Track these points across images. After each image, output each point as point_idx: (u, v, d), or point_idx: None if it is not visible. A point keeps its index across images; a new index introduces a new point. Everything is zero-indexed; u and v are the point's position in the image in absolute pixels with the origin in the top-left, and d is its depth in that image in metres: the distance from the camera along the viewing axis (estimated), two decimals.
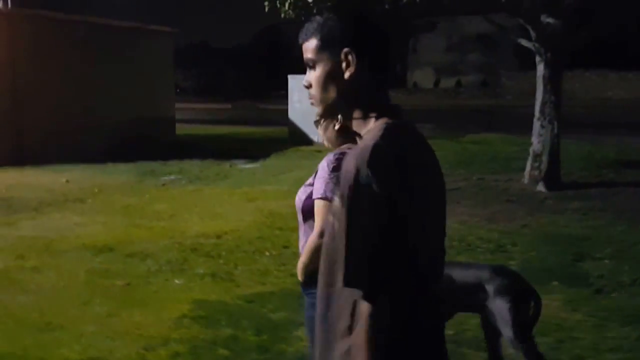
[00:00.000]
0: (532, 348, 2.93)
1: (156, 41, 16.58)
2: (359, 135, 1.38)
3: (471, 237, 6.06)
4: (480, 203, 7.71)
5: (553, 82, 8.34)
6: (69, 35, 13.24)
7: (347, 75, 1.34)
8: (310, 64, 1.39)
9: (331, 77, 1.36)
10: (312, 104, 1.43)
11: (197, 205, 7.77)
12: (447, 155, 10.69)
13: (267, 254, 5.66)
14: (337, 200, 1.29)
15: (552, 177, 8.19)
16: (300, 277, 2.45)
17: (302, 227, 2.49)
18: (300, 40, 1.41)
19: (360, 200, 1.23)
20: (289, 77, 15.83)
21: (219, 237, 6.16)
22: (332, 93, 1.38)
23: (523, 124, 10.96)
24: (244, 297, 4.56)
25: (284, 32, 46.90)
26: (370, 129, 1.35)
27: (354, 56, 1.33)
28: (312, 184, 2.41)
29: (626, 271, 4.98)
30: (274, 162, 11.75)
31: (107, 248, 5.78)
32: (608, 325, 3.96)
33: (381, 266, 1.23)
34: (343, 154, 2.21)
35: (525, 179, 8.53)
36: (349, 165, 1.27)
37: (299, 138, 15.01)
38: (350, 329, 1.29)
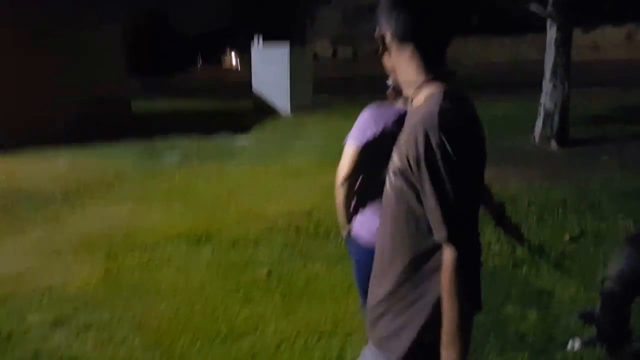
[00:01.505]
0: None
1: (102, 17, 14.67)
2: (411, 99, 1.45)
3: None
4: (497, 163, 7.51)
5: (564, 45, 8.37)
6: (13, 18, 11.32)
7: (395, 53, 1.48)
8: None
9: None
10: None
11: (243, 184, 7.03)
12: None
13: None
14: (398, 162, 1.38)
15: (563, 135, 8.32)
16: (344, 233, 2.53)
17: None
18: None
19: (437, 163, 1.29)
20: (252, 48, 14.90)
21: (309, 214, 5.58)
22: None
23: None
24: None
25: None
26: (424, 96, 1.40)
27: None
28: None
29: None
30: (266, 135, 10.99)
31: (202, 237, 5.04)
32: None
33: (464, 221, 1.34)
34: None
35: (536, 138, 8.60)
36: (418, 131, 1.31)
37: (267, 109, 14.25)
38: (390, 294, 1.45)
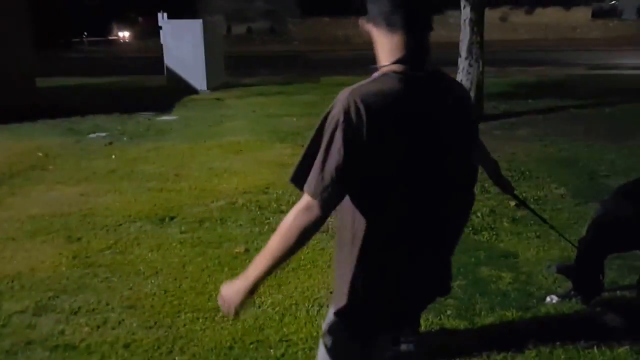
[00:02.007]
0: None
1: None
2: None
3: None
4: None
5: (478, 25, 8.86)
6: None
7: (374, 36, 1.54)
8: None
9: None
10: None
11: (187, 163, 6.82)
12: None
13: None
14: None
15: (479, 110, 8.90)
16: None
17: None
18: None
19: (328, 124, 1.43)
20: (162, 22, 14.20)
21: (266, 191, 5.58)
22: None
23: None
24: None
25: None
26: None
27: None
28: None
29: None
30: (190, 113, 10.62)
31: (166, 217, 4.89)
32: None
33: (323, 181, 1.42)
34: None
35: None
36: (338, 102, 1.43)
37: (182, 86, 13.73)
38: (353, 239, 1.53)
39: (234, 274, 3.73)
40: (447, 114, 1.53)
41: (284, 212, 4.88)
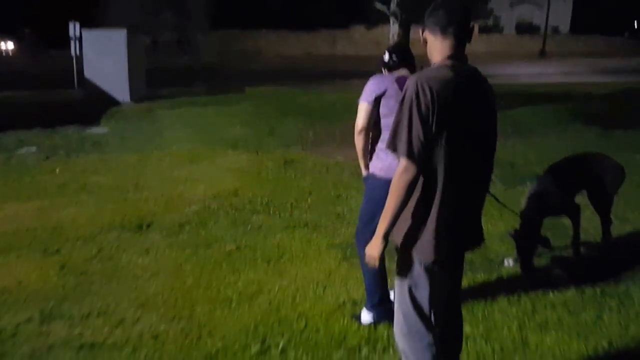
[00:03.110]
0: None
1: None
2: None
3: None
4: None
5: (405, 39, 9.67)
6: None
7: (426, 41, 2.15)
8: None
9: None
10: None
11: (143, 172, 6.84)
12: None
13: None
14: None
15: None
16: (364, 171, 3.21)
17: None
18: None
19: (411, 100, 1.95)
20: (84, 32, 13.80)
21: (236, 195, 5.79)
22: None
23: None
24: None
25: None
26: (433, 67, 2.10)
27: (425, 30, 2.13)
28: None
29: None
30: (122, 125, 10.50)
31: (143, 225, 4.96)
32: None
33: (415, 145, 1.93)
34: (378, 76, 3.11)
35: None
36: (411, 82, 1.98)
37: (104, 99, 13.39)
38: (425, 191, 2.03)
39: (233, 269, 4.02)
40: (483, 96, 2.12)
41: (260, 213, 5.21)
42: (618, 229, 4.58)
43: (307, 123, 10.02)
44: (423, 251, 2.05)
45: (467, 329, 3.07)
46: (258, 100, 13.13)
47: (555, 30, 46.74)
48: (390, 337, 2.98)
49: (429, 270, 2.08)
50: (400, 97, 2.01)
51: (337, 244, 4.46)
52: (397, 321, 2.20)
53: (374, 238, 2.09)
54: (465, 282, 3.62)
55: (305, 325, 3.23)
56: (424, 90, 1.93)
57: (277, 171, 6.86)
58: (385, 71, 3.20)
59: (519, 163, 7.07)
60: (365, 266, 3.02)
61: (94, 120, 10.84)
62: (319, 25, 39.93)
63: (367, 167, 3.17)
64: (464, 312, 3.15)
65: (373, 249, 2.10)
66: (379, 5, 9.82)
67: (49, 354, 3.05)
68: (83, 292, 3.75)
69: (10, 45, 55.19)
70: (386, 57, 3.21)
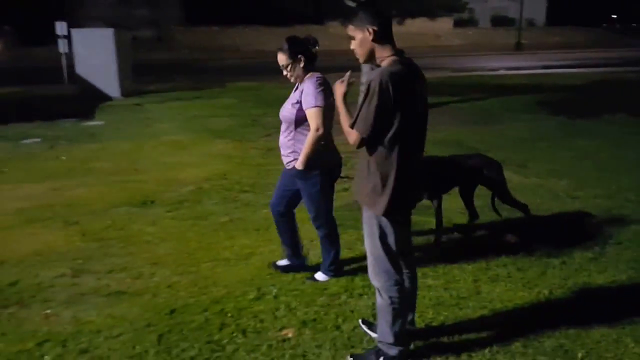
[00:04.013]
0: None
1: None
2: (379, 65, 2.53)
3: None
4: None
5: None
6: None
7: (370, 39, 2.51)
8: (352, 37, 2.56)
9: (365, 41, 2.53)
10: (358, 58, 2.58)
11: (140, 159, 7.37)
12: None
13: None
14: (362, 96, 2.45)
15: None
16: (302, 167, 3.37)
17: (291, 132, 3.44)
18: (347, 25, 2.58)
19: (380, 93, 2.38)
20: (73, 31, 14.09)
21: (224, 177, 6.38)
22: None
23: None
24: None
25: None
26: (384, 63, 2.50)
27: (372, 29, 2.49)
28: (298, 102, 3.37)
29: None
30: (115, 118, 10.92)
31: (147, 202, 5.52)
32: None
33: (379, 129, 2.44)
34: (322, 77, 3.40)
35: None
36: (375, 78, 2.39)
37: (94, 94, 13.74)
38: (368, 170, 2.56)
39: (229, 236, 4.63)
40: (421, 83, 2.60)
41: (248, 192, 5.81)
42: (569, 204, 5.25)
43: None
44: (389, 204, 2.55)
45: (429, 281, 3.68)
46: (238, 94, 13.65)
47: (531, 22, 46.07)
48: (364, 287, 3.58)
49: (392, 219, 2.64)
50: None
51: None
52: (370, 264, 2.73)
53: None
54: (426, 245, 4.31)
55: (293, 279, 3.82)
56: (386, 82, 2.39)
57: (260, 157, 7.45)
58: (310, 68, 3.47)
59: (483, 148, 7.44)
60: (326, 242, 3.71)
61: (88, 114, 11.24)
62: (293, 21, 40.31)
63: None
64: (426, 270, 3.83)
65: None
66: (348, 2, 10.31)
67: (83, 299, 3.63)
68: (104, 253, 4.32)
69: None
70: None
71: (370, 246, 2.69)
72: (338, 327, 3.18)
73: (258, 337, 3.10)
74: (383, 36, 2.52)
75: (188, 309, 3.43)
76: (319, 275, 3.77)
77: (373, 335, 2.99)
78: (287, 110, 3.46)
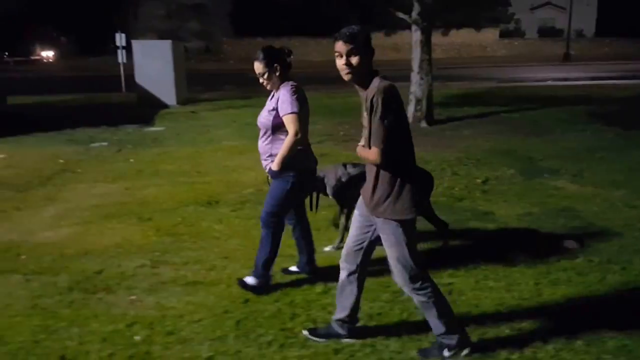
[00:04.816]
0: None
1: None
2: (367, 86, 2.65)
3: None
4: None
5: (427, 45, 10.35)
6: None
7: (365, 58, 2.63)
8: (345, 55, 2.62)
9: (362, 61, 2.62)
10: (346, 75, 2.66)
11: (202, 162, 7.71)
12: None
13: None
14: (366, 114, 2.63)
15: (430, 116, 10.38)
16: (278, 168, 3.48)
17: (268, 137, 3.56)
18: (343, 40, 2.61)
19: (387, 107, 2.53)
20: (133, 42, 14.79)
21: None
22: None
23: None
24: None
25: None
26: (373, 81, 2.63)
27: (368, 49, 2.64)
28: (274, 109, 3.48)
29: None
30: (174, 125, 11.40)
31: (212, 202, 5.79)
32: None
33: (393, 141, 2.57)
34: (296, 85, 3.51)
35: (410, 120, 10.51)
36: (377, 94, 2.53)
37: (152, 102, 14.34)
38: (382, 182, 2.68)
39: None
40: None
41: None
42: (627, 213, 5.23)
43: (335, 123, 10.85)
44: (411, 206, 2.67)
45: (490, 283, 3.79)
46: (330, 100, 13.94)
47: (580, 33, 45.03)
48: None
49: (413, 221, 2.73)
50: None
51: None
52: (399, 272, 2.77)
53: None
54: (485, 250, 4.42)
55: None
56: (385, 95, 2.54)
57: None
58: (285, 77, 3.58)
59: (536, 158, 7.62)
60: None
61: (148, 121, 11.77)
62: (337, 31, 40.62)
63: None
64: (487, 272, 3.95)
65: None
66: (400, 14, 10.46)
67: (163, 287, 3.89)
68: (178, 247, 4.60)
69: (50, 53, 56.69)
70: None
71: (398, 255, 2.76)
72: (403, 321, 3.33)
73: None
74: (369, 56, 2.66)
75: (260, 299, 3.65)
76: (249, 279, 3.76)
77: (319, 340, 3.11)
78: (264, 117, 3.58)
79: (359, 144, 2.85)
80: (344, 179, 4.36)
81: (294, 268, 4.08)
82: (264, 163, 3.68)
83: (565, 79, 19.94)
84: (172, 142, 9.41)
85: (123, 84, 17.89)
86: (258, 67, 3.52)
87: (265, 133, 3.61)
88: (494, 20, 23.66)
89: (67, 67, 36.26)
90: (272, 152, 3.57)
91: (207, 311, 3.50)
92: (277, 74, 3.53)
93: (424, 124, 10.31)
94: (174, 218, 5.33)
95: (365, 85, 2.67)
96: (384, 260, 3.88)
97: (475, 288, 3.75)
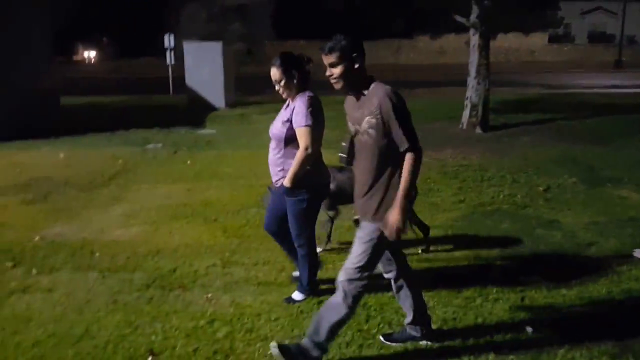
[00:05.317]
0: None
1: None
2: (363, 94, 2.72)
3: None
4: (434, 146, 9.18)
5: (485, 49, 10.33)
6: None
7: (356, 66, 2.69)
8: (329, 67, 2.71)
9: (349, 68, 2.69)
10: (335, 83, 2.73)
11: (258, 165, 7.86)
12: None
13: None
14: (373, 121, 2.65)
15: (485, 122, 10.36)
16: (290, 184, 3.39)
17: (280, 150, 3.48)
18: (324, 53, 2.69)
19: (401, 107, 2.61)
20: (185, 44, 15.23)
21: None
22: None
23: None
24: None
25: None
26: (372, 87, 2.70)
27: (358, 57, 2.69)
28: (289, 120, 3.38)
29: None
30: (226, 127, 11.72)
31: None
32: None
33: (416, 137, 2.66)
34: (312, 96, 3.40)
35: (464, 125, 10.52)
36: (384, 97, 2.60)
37: (202, 104, 14.73)
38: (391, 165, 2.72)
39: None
40: None
41: None
42: None
43: None
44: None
45: (563, 290, 3.84)
46: (334, 107, 14.04)
47: (632, 39, 43.87)
48: (499, 292, 3.80)
49: None
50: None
51: (439, 226, 5.26)
52: (353, 266, 2.79)
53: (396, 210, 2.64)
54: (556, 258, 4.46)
55: (428, 281, 4.09)
56: (392, 97, 2.62)
57: None
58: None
59: (598, 166, 7.57)
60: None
61: (199, 123, 12.13)
62: (380, 35, 40.57)
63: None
64: (557, 281, 3.99)
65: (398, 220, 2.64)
66: (458, 18, 10.44)
67: (237, 286, 4.07)
68: (246, 248, 4.79)
69: (92, 54, 58.48)
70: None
71: (362, 255, 2.79)
72: (478, 327, 3.40)
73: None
74: (364, 62, 2.71)
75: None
76: (296, 295, 3.78)
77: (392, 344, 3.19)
78: (276, 128, 3.48)
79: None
80: (333, 185, 4.35)
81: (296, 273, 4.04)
82: (274, 177, 3.59)
83: (618, 87, 19.52)
84: (226, 144, 9.68)
85: (171, 86, 18.43)
86: (275, 73, 3.43)
87: (277, 145, 3.50)
88: (543, 24, 23.26)
89: (110, 69, 37.46)
90: (284, 167, 3.48)
91: (282, 310, 3.66)
92: (295, 81, 3.42)
93: (478, 130, 10.28)
94: (239, 220, 5.53)
95: (361, 92, 2.74)
96: (454, 267, 3.96)
97: (548, 296, 3.79)
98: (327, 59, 2.70)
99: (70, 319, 3.58)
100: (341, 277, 2.83)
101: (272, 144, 3.54)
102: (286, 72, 3.40)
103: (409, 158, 2.64)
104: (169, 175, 7.40)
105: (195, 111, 13.88)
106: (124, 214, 5.81)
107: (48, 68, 13.98)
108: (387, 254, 3.04)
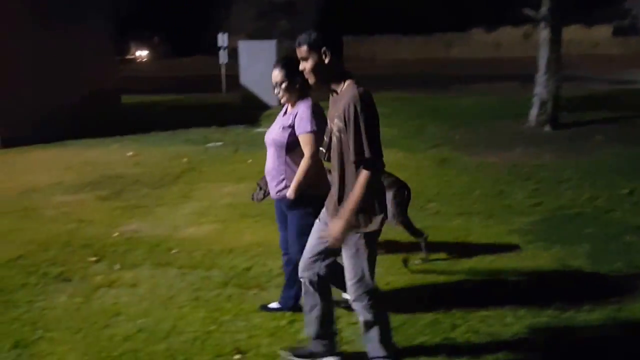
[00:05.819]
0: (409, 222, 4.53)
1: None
2: (336, 92, 2.63)
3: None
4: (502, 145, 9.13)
5: (557, 43, 10.04)
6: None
7: (327, 61, 2.60)
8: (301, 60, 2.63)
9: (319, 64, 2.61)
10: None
11: None
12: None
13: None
14: (341, 124, 2.53)
15: (555, 120, 10.07)
16: (294, 195, 3.21)
17: (279, 158, 3.34)
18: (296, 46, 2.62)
19: (364, 115, 2.46)
20: (239, 42, 15.51)
21: None
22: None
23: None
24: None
25: None
26: (345, 86, 2.59)
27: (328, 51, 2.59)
28: (290, 126, 3.24)
29: None
30: None
31: None
32: None
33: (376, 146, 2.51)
34: (316, 105, 3.28)
35: (532, 123, 10.27)
36: (349, 102, 2.48)
37: (255, 103, 14.96)
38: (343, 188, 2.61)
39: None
40: None
41: (434, 201, 6.06)
42: None
43: (449, 126, 10.81)
44: (384, 218, 2.66)
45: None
46: (390, 104, 14.02)
47: None
48: (593, 302, 3.70)
49: (377, 234, 2.69)
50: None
51: (515, 230, 5.18)
52: (353, 286, 2.72)
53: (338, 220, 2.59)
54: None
55: (513, 289, 4.05)
56: (362, 101, 2.50)
57: (435, 168, 7.70)
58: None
59: None
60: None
61: (254, 121, 12.31)
62: (433, 28, 39.93)
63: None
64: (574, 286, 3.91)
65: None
66: (527, 11, 10.18)
67: None
68: None
69: (144, 52, 60.13)
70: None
71: (356, 268, 2.70)
72: (573, 339, 3.31)
73: (491, 338, 3.34)
74: (339, 58, 2.64)
75: (414, 307, 3.76)
76: (274, 304, 3.75)
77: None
78: (276, 134, 3.34)
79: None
80: None
81: (273, 305, 3.80)
82: (274, 188, 3.43)
83: None
84: None
85: (224, 85, 18.77)
86: (277, 75, 3.32)
87: (276, 152, 3.36)
88: (608, 16, 22.24)
89: (162, 67, 38.48)
90: (286, 176, 3.32)
91: None
92: (297, 87, 3.28)
93: (547, 128, 10.01)
94: None
95: (334, 89, 2.67)
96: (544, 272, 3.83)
97: None
98: (299, 53, 2.66)
99: (156, 314, 3.71)
100: (350, 297, 2.81)
101: (270, 152, 3.42)
102: (288, 75, 3.28)
103: (361, 174, 2.53)
104: (232, 174, 7.55)
105: (249, 109, 14.08)
106: (194, 211, 5.96)
107: (111, 67, 14.60)
108: (312, 252, 2.92)
